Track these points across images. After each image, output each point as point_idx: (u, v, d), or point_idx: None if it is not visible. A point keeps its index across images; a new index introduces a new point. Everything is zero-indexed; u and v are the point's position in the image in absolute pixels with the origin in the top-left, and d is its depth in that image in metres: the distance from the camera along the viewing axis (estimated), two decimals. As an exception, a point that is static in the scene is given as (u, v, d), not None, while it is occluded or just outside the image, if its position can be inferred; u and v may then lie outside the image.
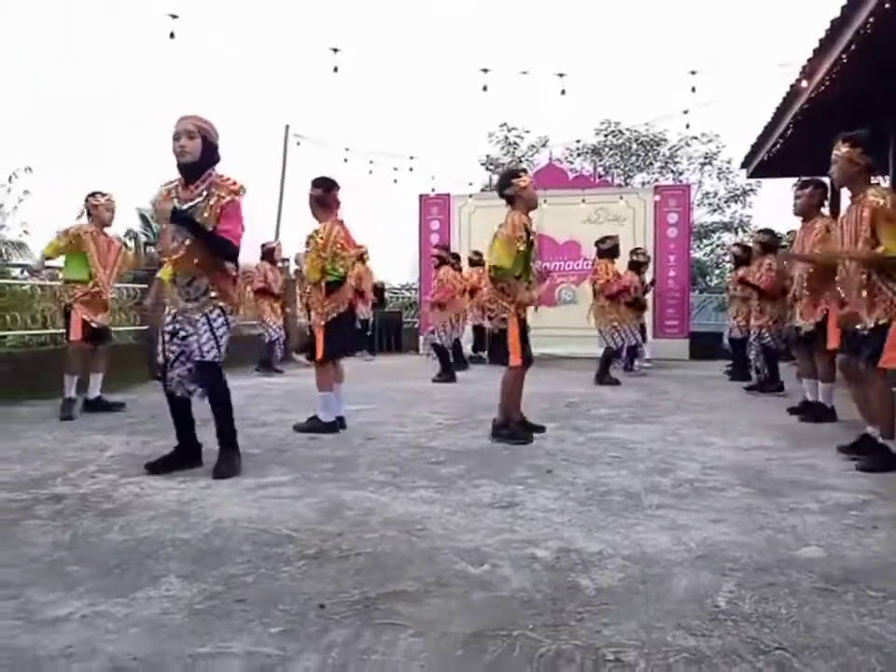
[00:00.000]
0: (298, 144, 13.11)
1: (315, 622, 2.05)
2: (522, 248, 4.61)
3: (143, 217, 23.30)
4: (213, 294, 3.79)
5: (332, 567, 2.47)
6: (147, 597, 2.22)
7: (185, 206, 3.68)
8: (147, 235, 23.05)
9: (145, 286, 8.80)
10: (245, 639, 1.94)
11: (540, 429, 4.99)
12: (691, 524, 2.95)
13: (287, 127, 13.31)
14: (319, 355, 5.08)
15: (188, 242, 3.71)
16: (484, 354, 10.82)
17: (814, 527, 2.89)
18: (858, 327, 3.97)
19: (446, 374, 8.56)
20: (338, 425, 5.09)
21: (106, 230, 6.07)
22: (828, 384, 5.54)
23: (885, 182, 7.70)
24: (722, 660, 1.82)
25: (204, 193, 3.70)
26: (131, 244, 20.04)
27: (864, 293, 3.91)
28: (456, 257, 10.09)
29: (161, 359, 3.85)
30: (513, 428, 4.78)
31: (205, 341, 3.77)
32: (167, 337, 3.82)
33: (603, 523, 2.97)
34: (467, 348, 10.54)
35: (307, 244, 5.05)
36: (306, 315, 5.36)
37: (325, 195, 5.09)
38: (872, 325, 3.86)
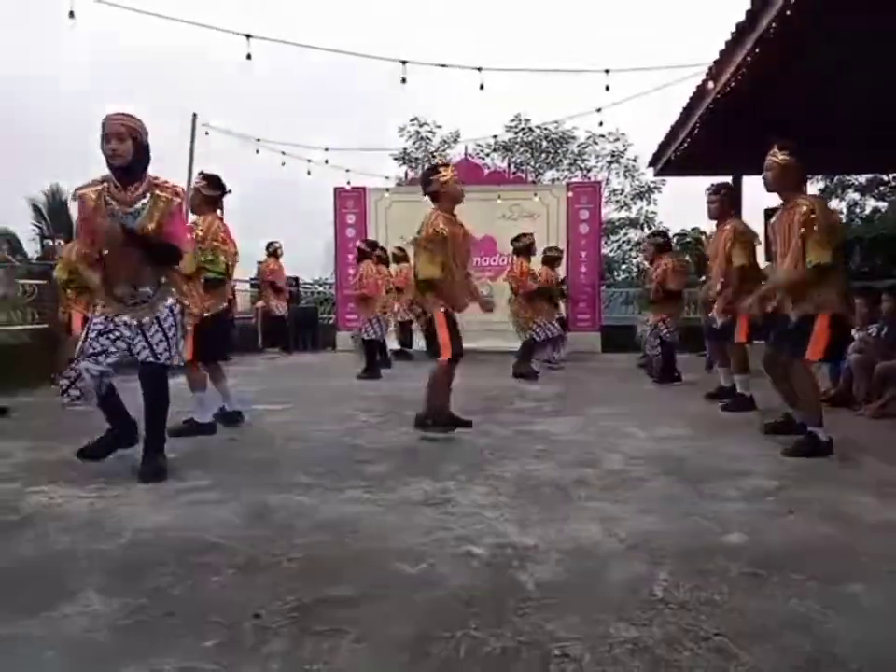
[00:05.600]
0: (206, 133, 12.63)
1: (251, 633, 1.96)
2: (442, 232, 4.62)
3: (36, 209, 22.00)
4: (171, 288, 3.74)
5: (264, 575, 2.37)
6: (63, 616, 2.07)
7: (128, 210, 3.57)
8: (39, 227, 21.79)
9: (41, 281, 8.30)
10: (176, 655, 1.84)
11: (467, 424, 4.97)
12: (620, 514, 3.00)
13: (195, 115, 12.78)
14: (189, 355, 4.81)
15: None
16: (410, 350, 10.79)
17: (736, 514, 2.99)
18: (791, 318, 4.11)
19: (371, 371, 8.44)
20: (215, 425, 4.89)
21: None
22: (743, 374, 5.80)
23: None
24: (665, 649, 1.85)
25: (147, 196, 3.60)
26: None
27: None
28: (384, 251, 9.95)
29: (85, 351, 3.64)
30: (437, 420, 4.74)
31: (158, 340, 3.67)
32: (93, 335, 3.64)
33: (536, 517, 2.98)
34: (391, 345, 10.42)
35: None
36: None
37: (220, 197, 5.09)
38: (796, 319, 4.03)
